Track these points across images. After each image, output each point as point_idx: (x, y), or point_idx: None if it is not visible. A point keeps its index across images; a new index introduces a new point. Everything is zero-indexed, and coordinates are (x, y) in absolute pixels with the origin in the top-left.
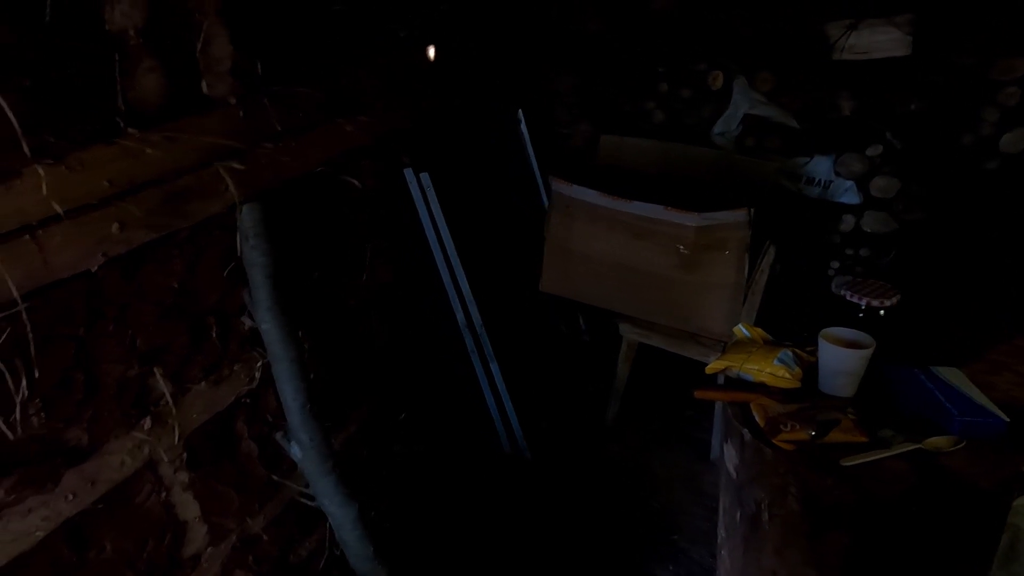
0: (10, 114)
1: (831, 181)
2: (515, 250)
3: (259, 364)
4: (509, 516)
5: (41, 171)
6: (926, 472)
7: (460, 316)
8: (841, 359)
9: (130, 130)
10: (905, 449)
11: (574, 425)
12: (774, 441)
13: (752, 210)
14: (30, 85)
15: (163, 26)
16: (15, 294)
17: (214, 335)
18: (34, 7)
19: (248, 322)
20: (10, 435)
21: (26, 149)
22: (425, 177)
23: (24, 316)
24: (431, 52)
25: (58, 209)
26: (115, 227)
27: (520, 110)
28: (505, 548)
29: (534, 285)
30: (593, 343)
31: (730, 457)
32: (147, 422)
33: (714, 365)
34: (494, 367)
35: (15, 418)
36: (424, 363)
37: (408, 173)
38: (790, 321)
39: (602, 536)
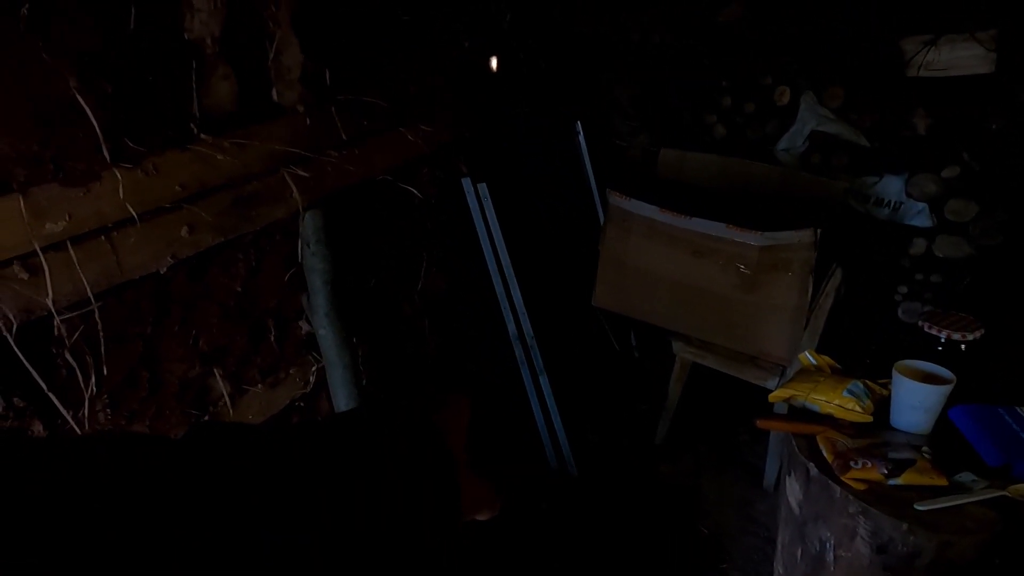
0: (92, 119)
1: (901, 202)
2: (569, 263)
3: (314, 368)
4: (553, 532)
5: (119, 175)
6: (1011, 521)
7: (511, 327)
8: (919, 394)
9: (203, 136)
10: (987, 496)
11: (623, 443)
12: (843, 479)
13: (819, 231)
14: (112, 91)
15: (238, 35)
16: (89, 293)
17: (272, 338)
18: (120, 15)
19: (305, 326)
20: (78, 430)
21: (106, 153)
22: (483, 187)
23: (96, 315)
24: (493, 63)
25: (133, 212)
26: (184, 230)
27: (579, 122)
28: (548, 565)
29: (587, 299)
30: (645, 360)
31: (792, 491)
32: None
33: (778, 394)
34: (543, 380)
35: (83, 413)
36: (473, 372)
37: (466, 182)
38: (854, 347)
39: (648, 558)
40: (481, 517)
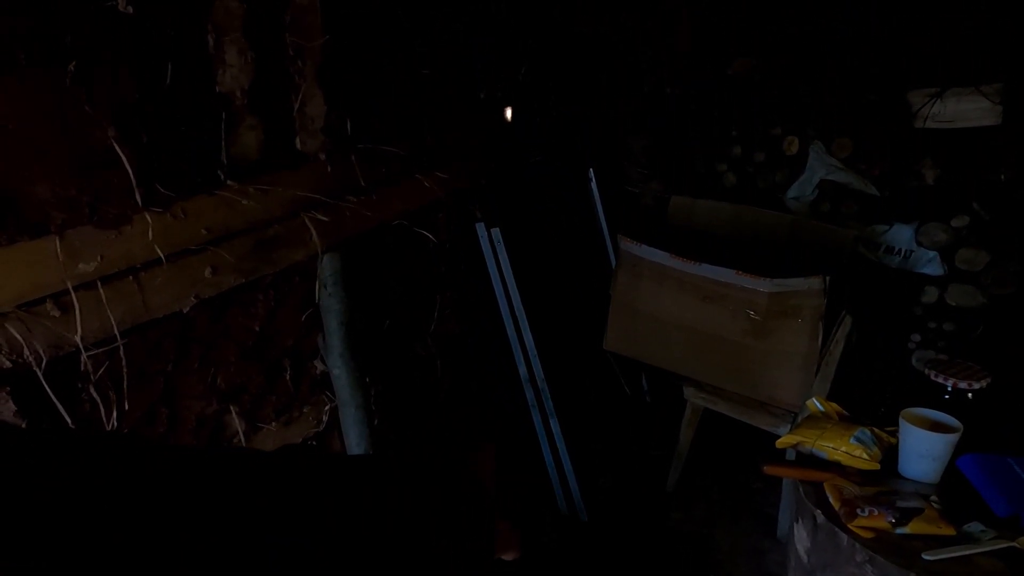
0: (127, 165)
1: (912, 251)
2: (580, 307)
3: (327, 408)
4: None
5: (149, 218)
6: (1020, 573)
7: (523, 370)
8: (925, 442)
9: (229, 182)
10: (996, 547)
11: (634, 489)
12: (850, 527)
13: (828, 278)
14: (147, 140)
15: (266, 88)
16: (115, 331)
17: (288, 377)
18: (158, 70)
19: (320, 366)
20: None
21: (138, 198)
22: (496, 232)
23: (121, 352)
24: (508, 113)
25: (160, 253)
26: (208, 271)
27: (591, 169)
28: None
29: (598, 343)
30: (656, 405)
31: (800, 539)
32: None
33: (785, 440)
34: (554, 423)
35: None
36: (484, 415)
37: (480, 227)
38: (867, 395)
39: None
40: (507, 558)
